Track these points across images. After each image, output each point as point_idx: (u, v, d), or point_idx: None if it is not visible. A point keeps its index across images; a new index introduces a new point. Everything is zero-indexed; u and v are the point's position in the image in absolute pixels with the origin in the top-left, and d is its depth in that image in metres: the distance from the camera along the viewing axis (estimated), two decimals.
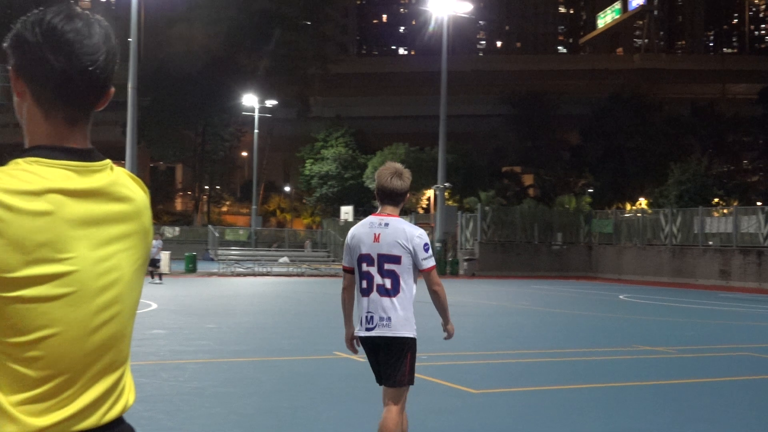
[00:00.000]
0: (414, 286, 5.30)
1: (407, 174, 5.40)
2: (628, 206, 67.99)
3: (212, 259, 42.02)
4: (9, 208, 1.55)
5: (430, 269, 5.26)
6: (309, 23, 76.22)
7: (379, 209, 5.40)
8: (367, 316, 5.21)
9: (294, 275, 37.42)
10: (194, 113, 67.99)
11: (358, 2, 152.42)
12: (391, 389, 5.24)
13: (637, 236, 43.04)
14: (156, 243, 28.77)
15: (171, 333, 13.65)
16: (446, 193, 47.05)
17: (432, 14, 45.43)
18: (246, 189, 77.84)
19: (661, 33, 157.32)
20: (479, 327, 16.34)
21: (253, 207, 58.82)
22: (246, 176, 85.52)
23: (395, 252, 5.16)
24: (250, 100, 56.94)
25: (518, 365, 11.38)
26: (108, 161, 1.73)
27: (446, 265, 41.53)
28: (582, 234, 46.59)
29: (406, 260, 5.17)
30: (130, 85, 36.21)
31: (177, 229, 65.07)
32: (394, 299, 5.16)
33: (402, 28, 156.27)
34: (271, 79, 69.19)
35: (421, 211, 57.70)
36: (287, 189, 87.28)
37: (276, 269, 38.32)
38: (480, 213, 44.51)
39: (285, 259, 39.42)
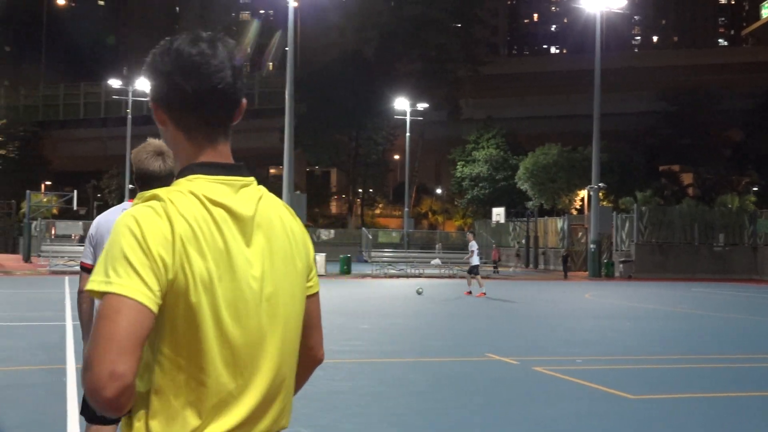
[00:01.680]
0: None
1: (169, 154, 4.40)
2: None
3: (366, 261, 42.71)
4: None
5: None
6: (459, 26, 76.24)
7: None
8: None
9: (446, 277, 37.52)
10: (348, 118, 69.36)
11: (509, 2, 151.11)
12: None
13: None
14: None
15: (327, 333, 13.94)
16: (600, 194, 45.96)
17: (584, 11, 44.50)
18: (398, 192, 78.64)
19: None
20: (636, 331, 15.88)
21: (406, 209, 59.39)
22: (398, 179, 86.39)
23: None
24: (401, 103, 57.56)
25: (677, 371, 11.01)
26: (253, 179, 1.81)
27: (601, 267, 40.54)
28: (746, 234, 44.43)
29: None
30: (287, 93, 37.46)
31: (332, 231, 66.59)
32: None
33: (553, 26, 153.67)
34: (422, 82, 69.66)
35: (574, 212, 56.55)
36: (439, 191, 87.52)
37: (428, 271, 38.54)
38: (636, 213, 43.25)
39: (437, 260, 39.59)
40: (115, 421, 4.10)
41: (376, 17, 76.01)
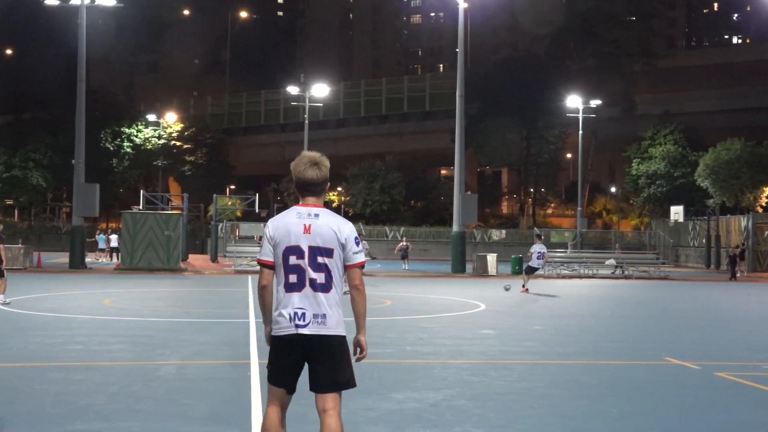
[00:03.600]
0: (342, 284, 4.91)
1: (325, 162, 4.92)
2: None
3: None
4: None
5: (359, 264, 4.84)
6: (634, 19, 73.90)
7: (300, 201, 4.96)
8: (297, 313, 4.73)
9: (621, 278, 36.53)
10: (519, 118, 68.83)
11: None
12: (332, 394, 4.79)
13: None
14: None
15: (499, 333, 14.01)
16: None
17: None
18: (571, 191, 77.21)
19: None
20: None
21: (579, 209, 58.18)
22: (571, 178, 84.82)
23: (328, 244, 4.78)
24: (574, 101, 56.47)
25: None
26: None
27: None
28: None
29: (337, 254, 4.80)
30: (457, 94, 37.66)
31: (503, 231, 66.27)
32: (328, 295, 4.78)
33: (735, 15, 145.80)
34: (595, 78, 68.00)
35: (759, 210, 53.47)
36: (613, 190, 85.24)
37: (602, 271, 37.65)
38: None
39: (611, 261, 38.59)
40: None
41: (548, 14, 74.91)
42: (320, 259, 4.77)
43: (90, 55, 39.34)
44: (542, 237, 28.02)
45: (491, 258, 36.84)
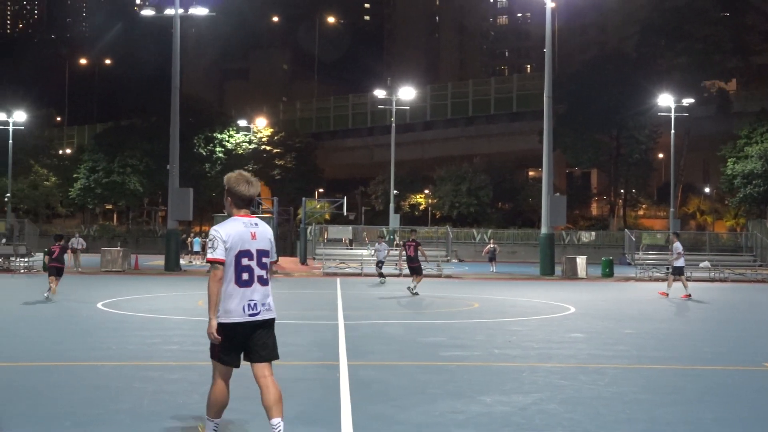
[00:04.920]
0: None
1: (257, 182, 6.10)
2: None
3: (629, 264, 41.48)
4: None
5: (277, 260, 5.47)
6: (727, 14, 71.66)
7: (240, 211, 6.01)
8: (249, 304, 5.80)
9: (717, 280, 35.52)
10: (608, 118, 67.67)
11: None
12: (268, 363, 5.91)
13: None
14: (382, 246, 30.01)
15: (589, 337, 13.81)
16: None
17: None
18: (663, 192, 75.40)
19: None
20: None
21: (671, 210, 56.79)
22: (663, 178, 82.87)
23: (267, 247, 5.96)
24: (665, 100, 55.20)
25: None
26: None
27: None
28: None
29: (271, 253, 6.00)
30: (545, 94, 37.33)
31: (593, 233, 65.20)
32: (268, 287, 5.95)
33: None
34: (688, 76, 66.26)
35: None
36: (707, 190, 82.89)
37: (696, 274, 36.66)
38: None
39: (706, 263, 37.54)
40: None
41: (637, 12, 73.36)
42: (264, 259, 5.94)
43: (184, 63, 40.45)
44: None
45: (581, 260, 36.32)
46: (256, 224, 5.98)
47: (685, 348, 12.99)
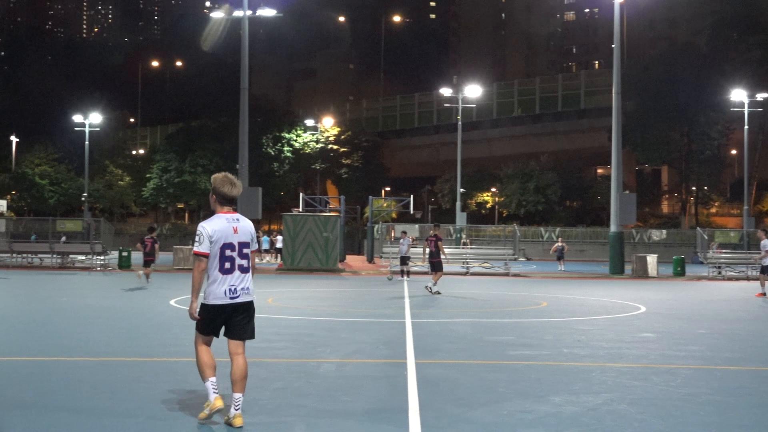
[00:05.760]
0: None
1: (239, 182, 6.96)
2: None
3: (701, 263, 40.62)
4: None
5: (258, 249, 6.44)
6: None
7: (223, 208, 6.91)
8: (230, 289, 6.76)
9: None
10: (679, 114, 66.33)
11: None
12: (242, 342, 6.93)
13: None
14: (404, 241, 30.37)
15: (661, 337, 13.58)
16: None
17: None
18: (736, 189, 73.54)
19: None
20: None
21: (745, 207, 55.39)
22: (736, 175, 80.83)
23: (248, 239, 6.89)
24: (738, 95, 53.86)
25: None
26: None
27: None
28: None
29: (252, 245, 6.93)
30: (614, 91, 36.79)
31: (663, 232, 63.98)
32: (248, 274, 6.88)
33: None
34: (762, 70, 64.53)
35: None
36: None
37: None
38: None
39: None
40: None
41: (709, 5, 71.69)
42: (245, 250, 6.86)
43: (252, 64, 40.98)
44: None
45: (651, 259, 35.70)
46: (238, 219, 6.91)
47: (761, 348, 12.66)
